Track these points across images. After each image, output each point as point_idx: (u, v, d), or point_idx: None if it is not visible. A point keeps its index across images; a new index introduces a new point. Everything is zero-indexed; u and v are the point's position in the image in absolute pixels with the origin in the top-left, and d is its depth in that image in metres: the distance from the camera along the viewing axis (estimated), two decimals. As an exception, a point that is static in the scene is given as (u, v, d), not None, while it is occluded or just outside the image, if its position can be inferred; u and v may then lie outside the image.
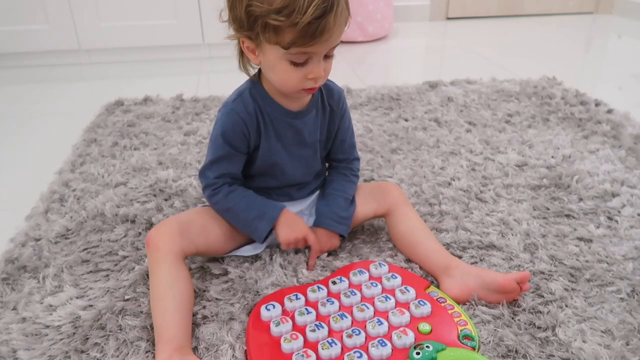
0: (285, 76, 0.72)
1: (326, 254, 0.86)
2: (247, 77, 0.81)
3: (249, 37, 0.71)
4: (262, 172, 0.83)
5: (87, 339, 0.70)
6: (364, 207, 0.90)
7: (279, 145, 0.81)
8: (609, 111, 1.43)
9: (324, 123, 0.85)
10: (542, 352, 0.67)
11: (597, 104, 1.48)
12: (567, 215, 0.98)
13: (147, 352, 0.68)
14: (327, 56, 0.72)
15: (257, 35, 0.69)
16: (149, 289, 0.74)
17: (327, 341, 0.66)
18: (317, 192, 0.92)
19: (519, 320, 0.72)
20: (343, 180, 0.89)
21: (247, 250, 0.85)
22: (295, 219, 0.82)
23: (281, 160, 0.82)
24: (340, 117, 0.86)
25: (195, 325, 0.72)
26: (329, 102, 0.84)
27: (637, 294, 0.77)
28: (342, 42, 2.28)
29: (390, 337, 0.67)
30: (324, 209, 0.87)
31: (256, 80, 0.80)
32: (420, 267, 0.84)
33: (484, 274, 0.76)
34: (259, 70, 0.80)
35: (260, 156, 0.81)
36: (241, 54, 0.77)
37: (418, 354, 0.62)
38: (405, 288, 0.76)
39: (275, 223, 0.80)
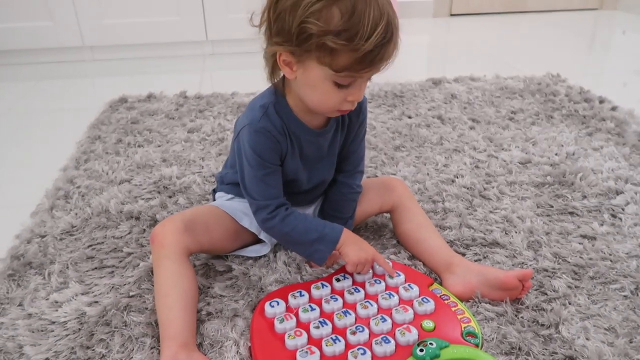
0: (326, 97, 0.68)
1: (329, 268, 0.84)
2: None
3: (291, 52, 0.66)
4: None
5: (93, 334, 0.71)
6: (369, 203, 0.89)
7: (300, 162, 0.79)
8: (613, 108, 1.43)
9: (342, 136, 0.82)
10: (546, 349, 0.68)
11: (602, 101, 1.47)
12: (571, 213, 0.98)
13: (152, 348, 0.69)
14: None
15: (305, 52, 0.64)
16: (153, 286, 0.75)
17: (331, 338, 0.66)
18: (322, 197, 0.90)
19: (522, 317, 0.72)
20: (340, 200, 0.86)
21: (253, 251, 0.86)
22: (360, 239, 0.78)
23: (299, 176, 0.80)
24: (358, 126, 0.83)
25: (199, 321, 0.73)
26: (349, 115, 0.81)
27: (640, 292, 0.77)
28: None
29: (394, 334, 0.67)
30: None
31: (280, 95, 0.75)
32: (424, 264, 0.84)
33: (486, 271, 0.76)
34: (282, 81, 0.75)
35: (282, 170, 0.78)
36: (273, 66, 0.71)
37: (422, 350, 0.63)
38: (408, 285, 0.76)
39: (338, 244, 0.76)
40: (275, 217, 0.75)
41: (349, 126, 0.82)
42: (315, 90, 0.68)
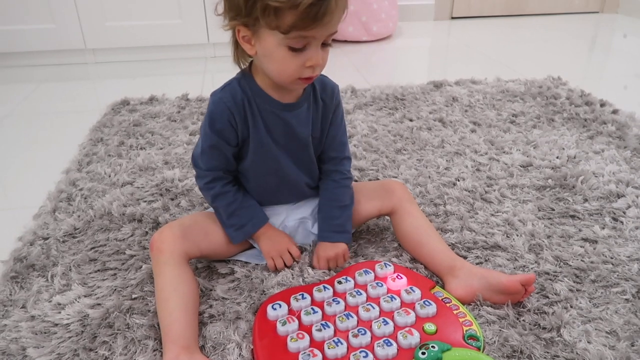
0: (283, 64, 0.70)
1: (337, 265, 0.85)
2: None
3: (246, 25, 0.69)
4: (257, 168, 0.82)
5: (96, 337, 0.71)
6: (368, 205, 0.89)
7: (269, 138, 0.79)
8: (614, 111, 1.43)
9: (317, 118, 0.83)
10: (547, 352, 0.68)
11: (602, 104, 1.48)
12: (572, 216, 0.98)
13: (154, 350, 0.69)
14: (325, 44, 0.71)
15: (255, 21, 0.67)
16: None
17: (333, 340, 0.67)
18: (318, 200, 0.90)
19: (524, 320, 0.73)
20: (334, 187, 0.87)
21: (252, 256, 0.86)
22: (278, 234, 0.84)
23: (273, 153, 0.80)
24: (332, 111, 0.84)
25: (202, 324, 0.73)
26: (322, 97, 0.82)
27: (642, 295, 0.78)
28: (346, 41, 2.30)
29: (396, 337, 0.67)
30: (321, 224, 0.87)
31: (247, 73, 0.78)
32: (425, 267, 0.84)
33: (489, 275, 0.76)
34: (250, 63, 0.78)
35: (252, 149, 0.79)
36: (236, 46, 0.75)
37: (424, 354, 0.63)
38: (410, 288, 0.76)
39: (255, 236, 0.83)
40: (211, 189, 0.81)
41: (324, 110, 0.83)
42: (272, 59, 0.70)
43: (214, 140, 0.77)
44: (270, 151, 0.80)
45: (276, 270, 0.82)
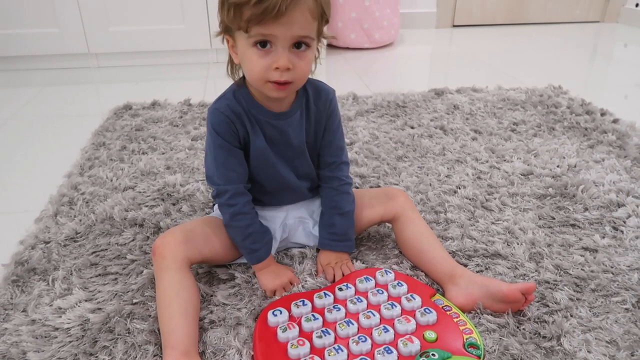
0: (252, 65, 0.71)
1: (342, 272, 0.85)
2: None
3: (228, 32, 0.73)
4: (258, 173, 0.83)
5: (96, 341, 0.71)
6: (370, 212, 0.90)
7: (267, 146, 0.80)
8: (615, 121, 1.44)
9: (310, 125, 0.83)
10: (547, 361, 0.68)
11: (603, 114, 1.48)
12: (573, 225, 0.98)
13: (154, 355, 0.69)
14: (299, 49, 0.70)
15: (230, 25, 0.70)
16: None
17: (334, 347, 0.67)
18: (318, 201, 0.91)
19: (524, 329, 0.73)
20: (334, 195, 0.87)
21: None
22: (279, 268, 0.83)
23: (272, 159, 0.81)
24: (327, 117, 0.84)
25: (202, 330, 0.73)
26: (316, 104, 0.83)
27: (642, 305, 0.78)
28: (348, 48, 2.30)
29: (396, 344, 0.67)
30: (323, 231, 0.87)
31: (240, 84, 0.79)
32: (426, 275, 0.84)
33: (489, 283, 0.77)
34: (244, 76, 0.79)
35: (252, 155, 0.80)
36: (230, 58, 0.78)
37: (424, 361, 0.63)
38: (411, 296, 0.76)
39: (256, 267, 0.83)
40: (231, 206, 0.79)
41: (317, 115, 0.83)
42: (244, 61, 0.73)
43: (224, 146, 0.77)
44: (269, 159, 0.81)
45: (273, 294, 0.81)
